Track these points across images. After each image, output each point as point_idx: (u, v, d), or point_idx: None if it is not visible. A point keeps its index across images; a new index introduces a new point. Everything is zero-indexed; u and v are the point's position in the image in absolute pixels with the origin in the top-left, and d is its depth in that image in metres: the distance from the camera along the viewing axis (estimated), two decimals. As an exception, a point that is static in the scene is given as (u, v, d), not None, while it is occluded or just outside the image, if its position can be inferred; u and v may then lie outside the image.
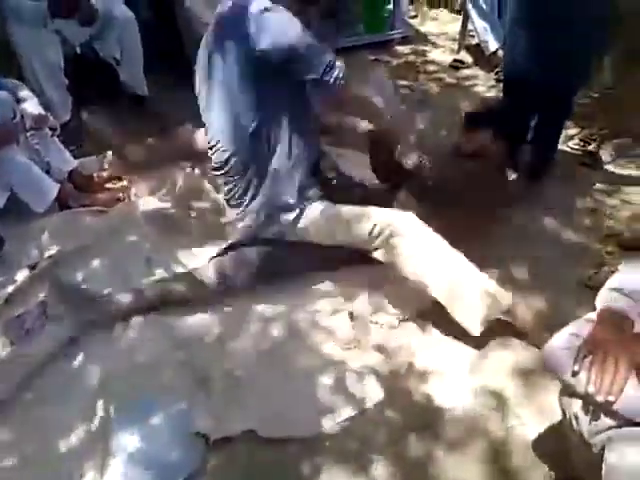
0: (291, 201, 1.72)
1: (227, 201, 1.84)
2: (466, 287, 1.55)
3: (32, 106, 2.07)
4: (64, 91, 2.55)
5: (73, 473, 1.37)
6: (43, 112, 2.10)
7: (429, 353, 1.62)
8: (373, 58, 3.41)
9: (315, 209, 1.73)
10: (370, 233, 1.65)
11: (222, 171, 1.76)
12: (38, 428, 1.48)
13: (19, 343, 1.70)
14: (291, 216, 1.72)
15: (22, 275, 1.93)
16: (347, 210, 1.71)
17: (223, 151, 1.72)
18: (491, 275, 1.65)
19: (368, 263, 1.76)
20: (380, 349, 1.64)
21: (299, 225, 1.73)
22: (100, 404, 1.51)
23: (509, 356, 1.60)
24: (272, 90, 1.61)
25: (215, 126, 1.72)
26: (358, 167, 2.00)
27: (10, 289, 1.88)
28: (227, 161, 1.73)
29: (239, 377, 1.56)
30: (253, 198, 1.73)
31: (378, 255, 1.69)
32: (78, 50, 2.61)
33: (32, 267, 1.96)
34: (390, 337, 1.68)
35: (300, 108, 1.71)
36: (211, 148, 1.77)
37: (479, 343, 1.62)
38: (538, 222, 2.09)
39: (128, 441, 1.41)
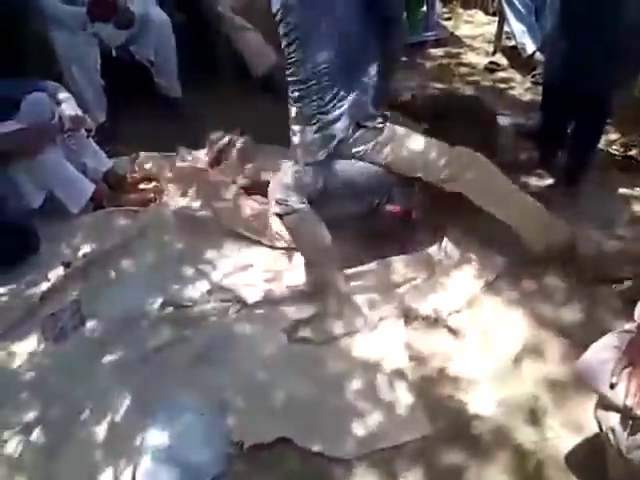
0: (373, 111, 1.88)
1: (309, 116, 1.87)
2: (534, 214, 1.85)
3: (70, 108, 2.11)
4: (100, 92, 2.60)
5: (108, 468, 1.40)
6: (80, 114, 2.14)
7: (462, 360, 1.60)
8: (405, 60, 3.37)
9: (395, 130, 1.89)
10: (443, 163, 1.83)
11: (309, 82, 1.83)
12: (73, 423, 1.51)
13: (54, 340, 1.75)
14: (375, 124, 1.86)
15: (57, 273, 1.97)
16: (423, 138, 1.89)
17: (317, 61, 1.80)
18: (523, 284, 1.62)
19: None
20: (412, 353, 1.62)
21: (379, 139, 1.85)
22: (133, 402, 1.54)
23: (542, 366, 1.56)
24: (364, 16, 1.81)
25: (309, 38, 1.80)
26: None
27: (45, 287, 1.92)
28: (320, 71, 1.80)
29: (270, 382, 1.57)
30: (340, 106, 1.83)
31: (447, 186, 1.83)
32: (114, 52, 2.67)
33: (66, 265, 2.00)
34: (422, 342, 1.66)
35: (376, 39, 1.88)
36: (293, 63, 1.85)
37: (512, 350, 1.59)
38: (574, 229, 2.03)
39: (157, 439, 1.42)
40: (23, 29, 2.59)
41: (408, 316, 1.73)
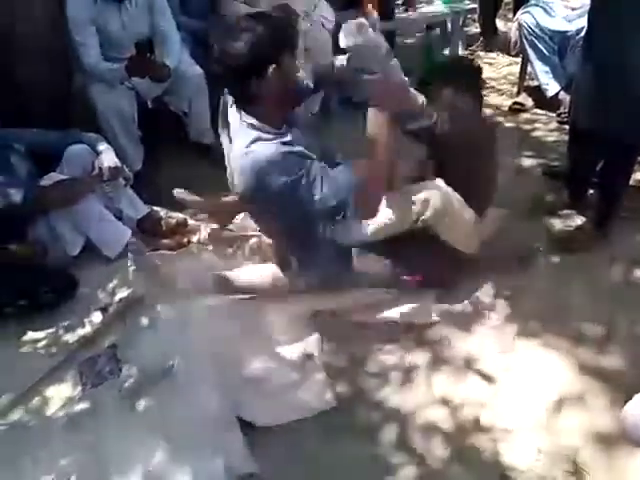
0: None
1: None
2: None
3: (109, 159, 2.20)
4: (137, 142, 2.71)
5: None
6: (119, 164, 2.23)
7: (497, 408, 1.56)
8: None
9: None
10: (417, 213, 1.75)
11: None
12: (107, 472, 1.52)
13: (91, 385, 1.78)
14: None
15: (94, 318, 2.02)
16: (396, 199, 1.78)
17: None
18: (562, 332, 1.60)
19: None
20: (445, 402, 1.60)
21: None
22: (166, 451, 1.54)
23: (585, 417, 1.51)
24: None
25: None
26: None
27: (82, 332, 1.97)
28: None
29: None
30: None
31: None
32: (149, 104, 2.79)
33: (103, 310, 2.06)
34: (455, 389, 1.63)
35: None
36: None
37: (549, 397, 1.55)
38: (606, 270, 2.00)
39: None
40: (65, 84, 2.75)
41: (439, 362, 1.71)
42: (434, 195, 1.75)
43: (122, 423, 1.64)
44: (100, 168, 2.17)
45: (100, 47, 2.58)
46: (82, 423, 1.68)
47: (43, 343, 1.97)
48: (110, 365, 1.83)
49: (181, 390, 1.68)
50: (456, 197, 1.82)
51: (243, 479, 1.43)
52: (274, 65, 1.46)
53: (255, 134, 1.55)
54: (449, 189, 1.80)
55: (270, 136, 1.55)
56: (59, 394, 1.78)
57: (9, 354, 1.93)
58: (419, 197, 1.75)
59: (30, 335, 2.00)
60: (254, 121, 1.56)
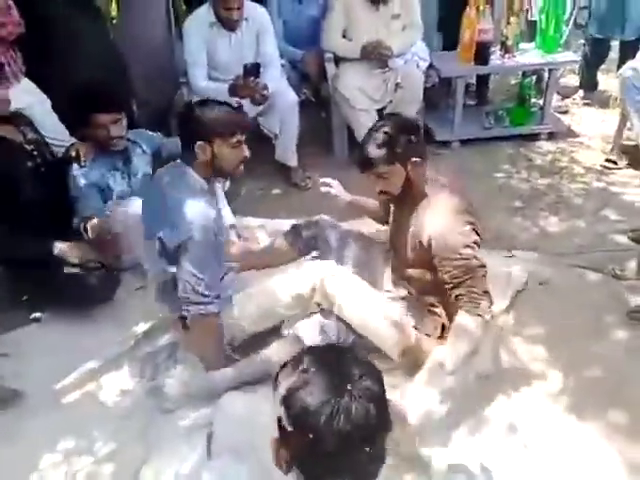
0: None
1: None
2: (380, 321, 1.77)
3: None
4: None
5: None
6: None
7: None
8: (512, 152, 3.35)
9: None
10: (307, 294, 1.85)
11: None
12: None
13: (148, 378, 1.90)
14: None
15: (158, 312, 2.10)
16: (278, 281, 1.91)
17: None
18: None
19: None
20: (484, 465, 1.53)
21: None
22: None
23: None
24: None
25: None
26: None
27: (147, 326, 2.10)
28: None
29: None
30: None
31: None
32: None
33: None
34: (496, 455, 1.56)
35: None
36: None
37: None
38: None
39: None
40: (171, 97, 3.01)
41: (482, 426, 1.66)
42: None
43: (167, 425, 1.73)
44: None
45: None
46: (133, 415, 1.79)
47: (108, 331, 2.08)
48: (168, 362, 1.94)
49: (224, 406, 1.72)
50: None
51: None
52: (200, 143, 1.75)
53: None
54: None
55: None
56: (113, 384, 1.90)
57: (74, 335, 2.05)
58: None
59: (96, 319, 2.13)
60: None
